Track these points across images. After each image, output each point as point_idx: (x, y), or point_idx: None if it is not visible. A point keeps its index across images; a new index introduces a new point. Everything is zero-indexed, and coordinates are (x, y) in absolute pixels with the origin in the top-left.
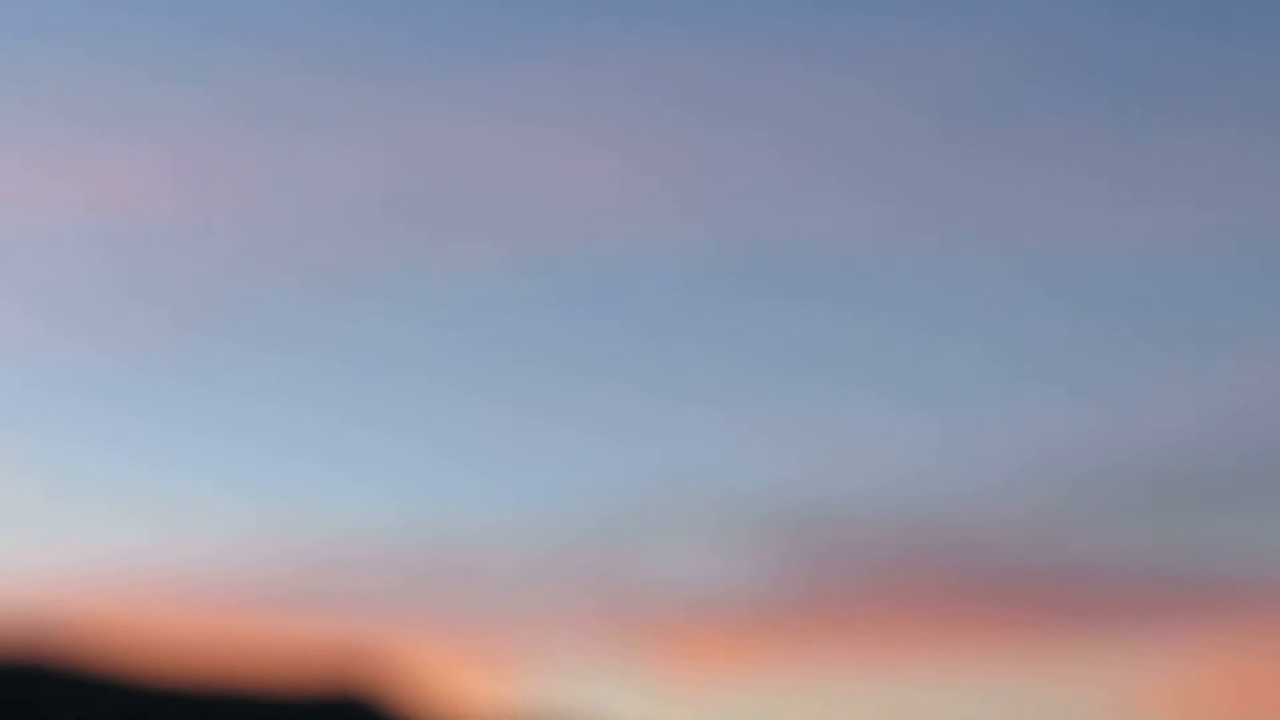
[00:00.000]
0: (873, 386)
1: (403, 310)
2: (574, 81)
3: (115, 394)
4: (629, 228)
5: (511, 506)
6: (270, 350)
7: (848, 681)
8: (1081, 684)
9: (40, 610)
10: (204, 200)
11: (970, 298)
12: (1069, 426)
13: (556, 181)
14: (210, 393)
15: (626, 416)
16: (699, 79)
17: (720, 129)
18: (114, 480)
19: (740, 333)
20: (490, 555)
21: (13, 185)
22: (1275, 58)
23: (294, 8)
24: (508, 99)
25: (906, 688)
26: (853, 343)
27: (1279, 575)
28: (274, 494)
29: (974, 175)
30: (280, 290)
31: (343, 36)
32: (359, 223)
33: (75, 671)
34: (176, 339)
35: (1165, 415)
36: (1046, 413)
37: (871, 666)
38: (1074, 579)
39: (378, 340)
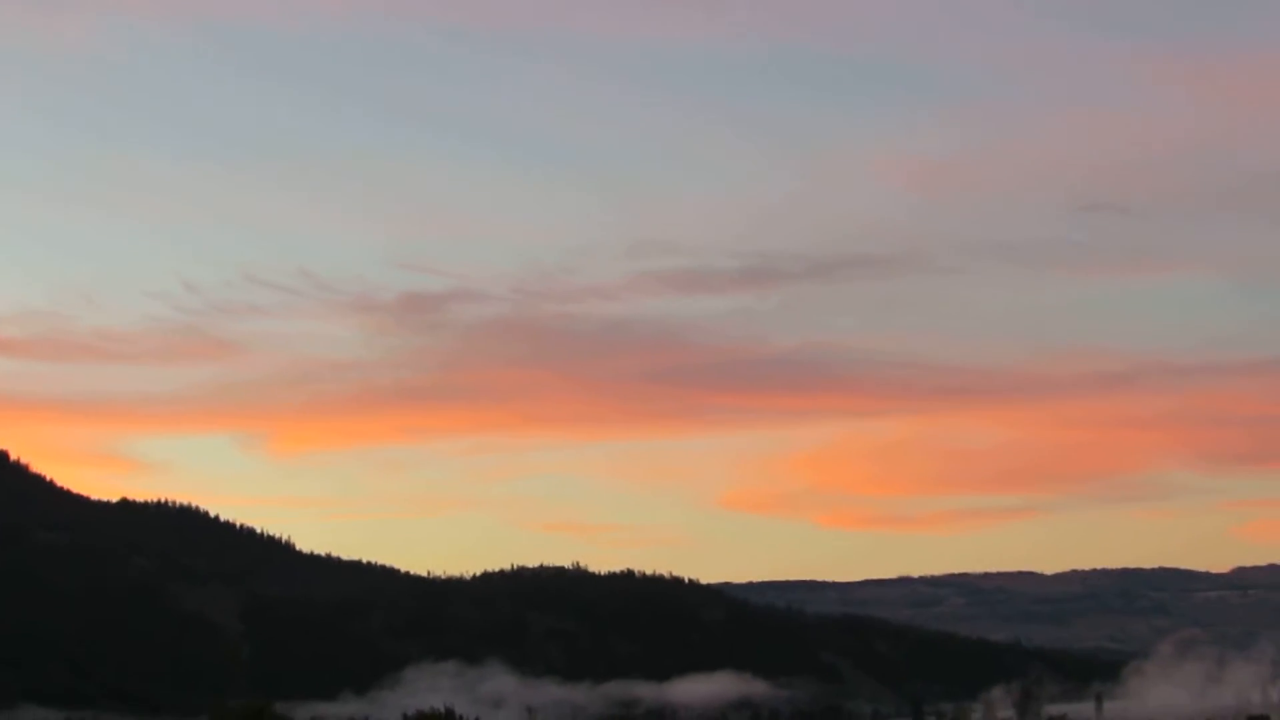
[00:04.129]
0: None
1: None
2: None
3: None
4: None
5: (117, 285)
6: None
7: (456, 451)
8: (683, 458)
9: None
10: None
11: None
12: (680, 210)
13: None
14: None
15: (248, 192)
16: None
17: None
18: None
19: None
20: (103, 331)
21: None
22: None
23: None
24: None
25: (512, 458)
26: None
27: (880, 361)
28: None
29: None
30: None
31: None
32: None
33: None
34: None
35: (758, 200)
36: (655, 196)
37: (478, 438)
38: (680, 359)
39: None
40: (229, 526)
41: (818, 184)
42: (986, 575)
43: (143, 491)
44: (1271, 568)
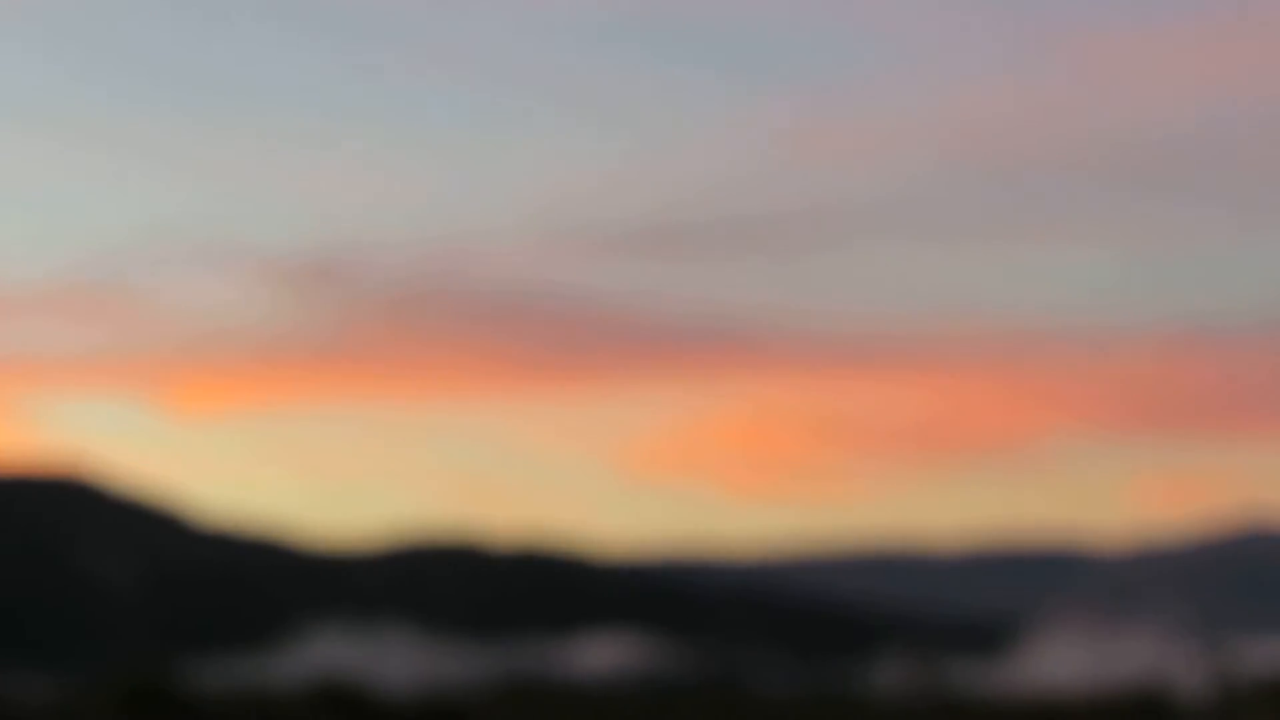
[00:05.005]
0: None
1: None
2: None
3: None
4: None
5: (18, 241)
6: None
7: (359, 416)
8: (586, 425)
9: None
10: None
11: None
12: (586, 174)
13: None
14: None
15: (155, 148)
16: None
17: None
18: None
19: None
20: (2, 287)
21: None
22: None
23: None
24: None
25: (415, 424)
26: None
27: (778, 327)
28: None
29: None
30: None
31: None
32: None
33: None
34: None
35: (665, 166)
36: (560, 159)
37: (380, 403)
38: (584, 325)
39: None
40: (127, 488)
41: (722, 150)
42: (883, 544)
43: (40, 452)
44: (1167, 537)
